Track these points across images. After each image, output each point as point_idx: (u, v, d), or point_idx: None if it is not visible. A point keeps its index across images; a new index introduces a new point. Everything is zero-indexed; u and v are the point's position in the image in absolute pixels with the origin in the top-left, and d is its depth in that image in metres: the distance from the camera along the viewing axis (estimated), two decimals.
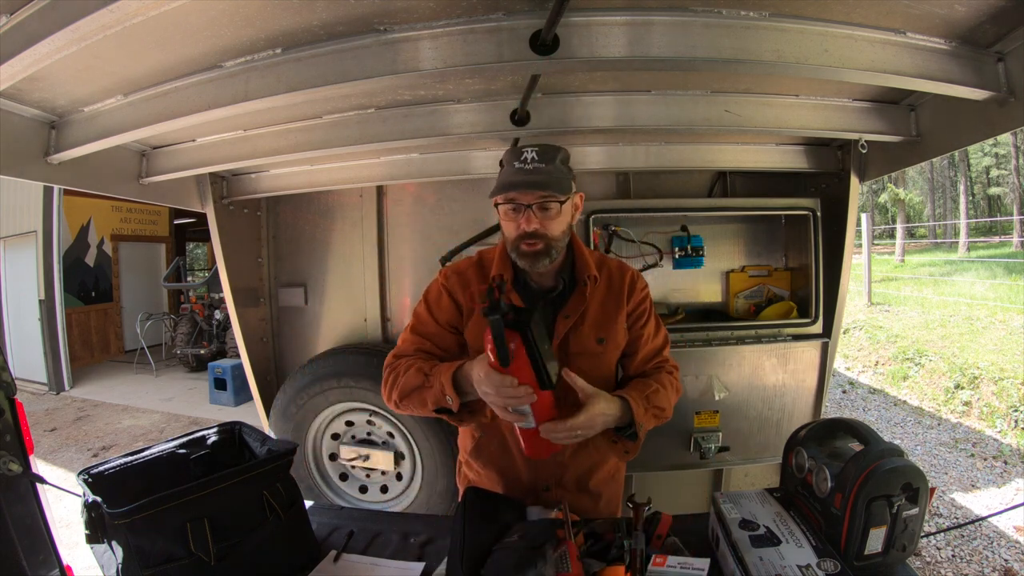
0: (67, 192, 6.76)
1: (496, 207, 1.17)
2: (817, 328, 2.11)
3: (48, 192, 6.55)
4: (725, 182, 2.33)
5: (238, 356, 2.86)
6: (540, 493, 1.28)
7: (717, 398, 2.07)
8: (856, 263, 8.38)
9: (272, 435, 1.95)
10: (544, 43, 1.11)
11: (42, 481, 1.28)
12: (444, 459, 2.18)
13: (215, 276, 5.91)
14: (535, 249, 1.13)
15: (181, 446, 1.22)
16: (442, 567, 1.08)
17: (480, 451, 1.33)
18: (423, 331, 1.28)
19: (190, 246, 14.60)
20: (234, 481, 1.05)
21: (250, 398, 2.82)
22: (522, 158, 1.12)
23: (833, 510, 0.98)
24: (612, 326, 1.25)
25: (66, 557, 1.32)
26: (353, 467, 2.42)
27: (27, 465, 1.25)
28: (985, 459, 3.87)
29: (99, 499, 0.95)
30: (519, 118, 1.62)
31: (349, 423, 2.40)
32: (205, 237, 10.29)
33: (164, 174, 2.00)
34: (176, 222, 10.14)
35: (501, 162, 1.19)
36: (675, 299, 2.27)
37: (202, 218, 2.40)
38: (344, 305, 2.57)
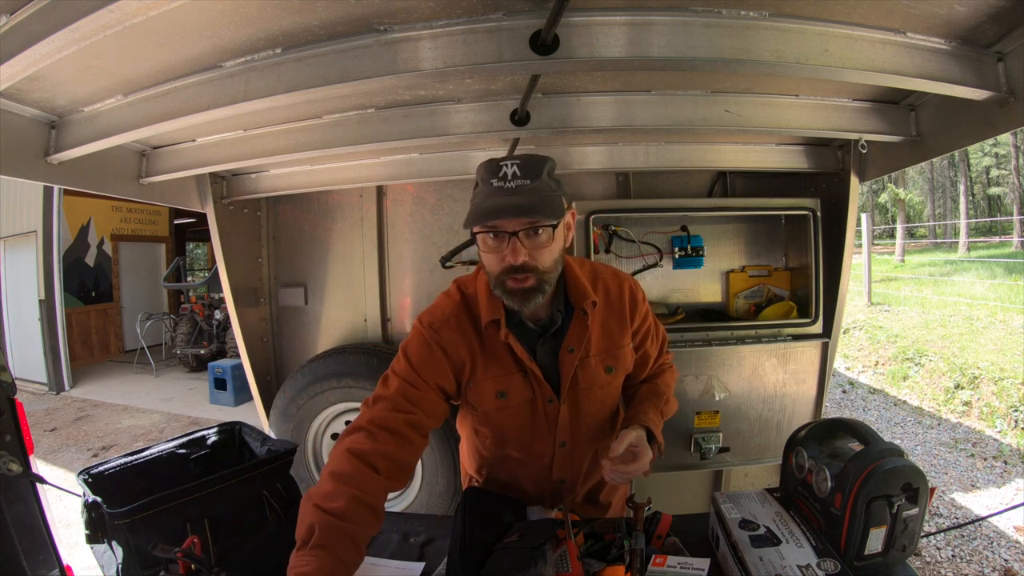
0: (67, 192, 6.76)
1: (473, 235, 1.00)
2: (817, 328, 2.11)
3: (48, 192, 6.55)
4: (725, 182, 2.33)
5: (238, 356, 2.86)
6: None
7: (717, 398, 2.07)
8: (856, 263, 8.38)
9: (272, 435, 1.95)
10: (544, 43, 1.11)
11: (42, 481, 1.28)
12: (444, 459, 2.18)
13: (215, 276, 5.91)
14: (525, 286, 0.97)
15: (181, 446, 1.22)
16: (442, 567, 1.07)
17: (490, 484, 1.28)
18: (413, 398, 1.03)
19: (190, 246, 14.59)
20: (234, 481, 1.05)
21: (250, 398, 2.82)
22: (501, 174, 0.94)
23: (833, 510, 0.98)
24: (618, 352, 1.15)
25: (66, 557, 1.32)
26: None
27: (27, 465, 1.25)
28: (985, 459, 3.87)
29: (99, 499, 0.95)
30: (519, 118, 1.62)
31: (349, 423, 2.39)
32: (205, 237, 10.30)
33: (164, 174, 1.99)
34: (176, 222, 10.14)
35: (475, 182, 1.00)
36: (675, 299, 2.26)
37: (202, 218, 2.40)
38: (344, 305, 2.57)
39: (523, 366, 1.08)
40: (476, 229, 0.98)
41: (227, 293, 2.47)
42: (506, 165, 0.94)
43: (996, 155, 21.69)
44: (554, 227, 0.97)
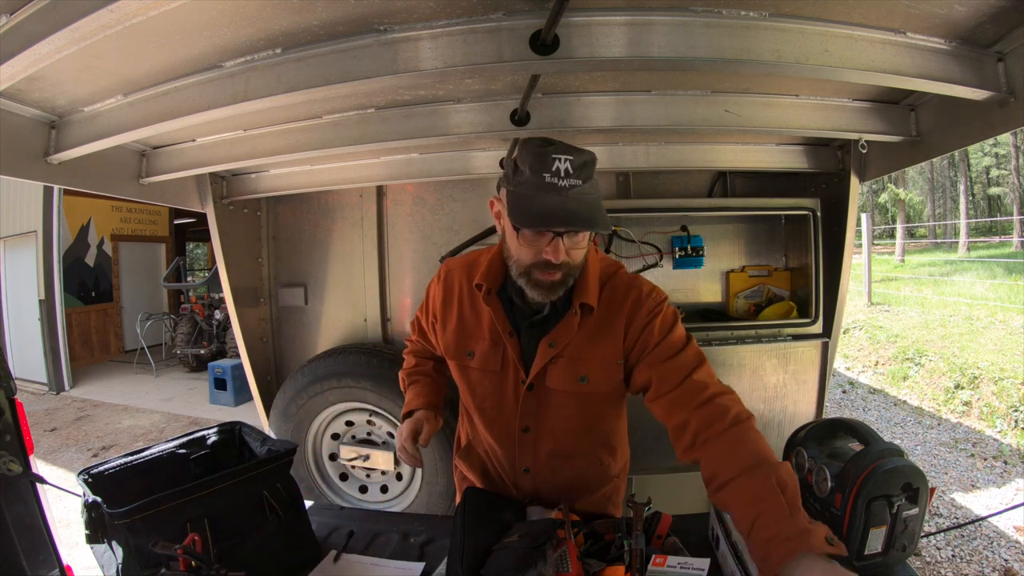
0: (67, 192, 6.76)
1: (518, 230, 0.95)
2: (817, 328, 2.10)
3: (48, 192, 6.55)
4: (725, 182, 2.33)
5: (238, 356, 2.86)
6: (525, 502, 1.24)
7: None
8: (856, 263, 8.38)
9: (272, 435, 1.95)
10: (544, 43, 1.11)
11: (42, 481, 1.28)
12: (444, 459, 2.18)
13: (215, 276, 5.90)
14: (554, 279, 0.96)
15: (181, 446, 1.22)
16: (442, 567, 1.08)
17: (468, 453, 1.32)
18: (417, 329, 1.37)
19: (190, 246, 14.59)
20: (234, 481, 1.05)
21: (250, 398, 2.82)
22: (554, 169, 0.89)
23: (833, 510, 0.98)
24: (599, 366, 1.06)
25: (66, 557, 1.32)
26: (353, 467, 2.41)
27: (27, 465, 1.25)
28: (985, 459, 3.86)
29: (99, 499, 0.95)
30: (519, 118, 1.62)
31: (349, 423, 2.40)
32: (205, 237, 10.31)
33: (164, 174, 1.99)
34: (176, 222, 10.13)
35: (515, 162, 0.95)
36: (675, 299, 2.27)
37: (202, 218, 2.40)
38: (344, 305, 2.57)
39: (497, 338, 1.09)
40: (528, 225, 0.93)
41: (227, 293, 2.47)
42: (559, 159, 0.89)
43: (996, 155, 21.68)
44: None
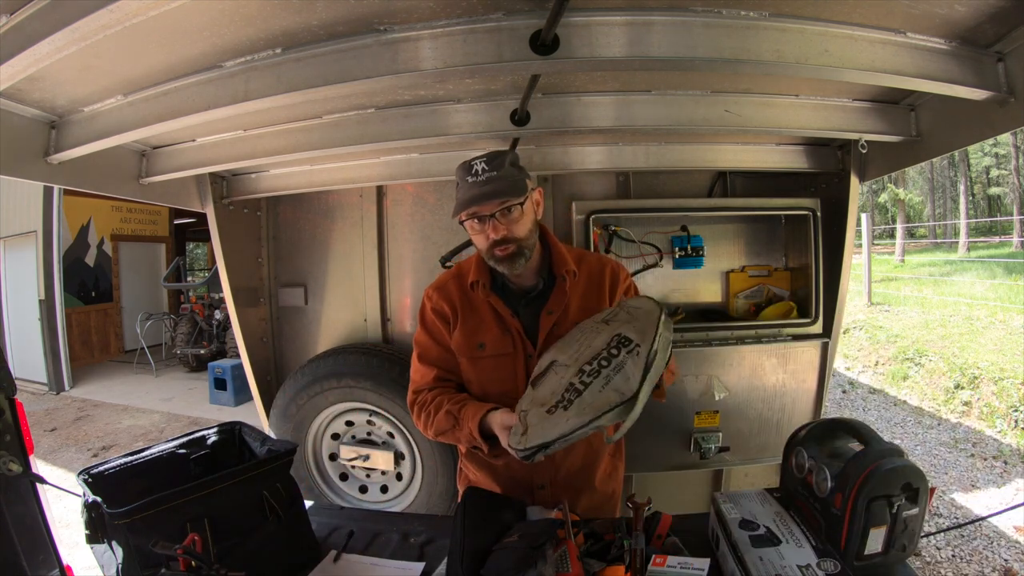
0: (67, 192, 6.76)
1: (462, 224, 1.20)
2: (817, 328, 2.10)
3: (48, 192, 6.56)
4: (725, 182, 2.32)
5: (238, 356, 2.86)
6: (536, 491, 1.28)
7: (717, 398, 2.07)
8: (856, 263, 8.37)
9: (272, 435, 1.95)
10: (544, 43, 1.11)
11: (42, 481, 1.28)
12: (444, 459, 2.18)
13: (215, 276, 5.90)
14: (508, 252, 1.17)
15: (181, 446, 1.23)
16: (442, 567, 1.08)
17: (473, 454, 1.32)
18: (431, 358, 1.31)
19: (190, 246, 14.60)
20: (234, 481, 1.05)
21: (250, 398, 2.82)
22: (473, 171, 1.15)
23: (833, 510, 0.98)
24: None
25: (66, 557, 1.32)
26: (353, 467, 2.41)
27: (27, 465, 1.25)
28: (985, 459, 3.87)
29: (99, 499, 0.95)
30: (519, 118, 1.62)
31: (349, 423, 2.40)
32: (205, 237, 10.30)
33: (164, 174, 1.99)
34: (176, 222, 10.14)
35: (456, 184, 1.21)
36: (675, 299, 2.26)
37: (202, 218, 2.39)
38: (344, 305, 2.57)
39: (504, 323, 1.24)
40: (461, 217, 1.18)
41: (227, 293, 2.47)
42: (476, 163, 1.15)
43: (996, 155, 21.69)
44: (521, 204, 1.17)
